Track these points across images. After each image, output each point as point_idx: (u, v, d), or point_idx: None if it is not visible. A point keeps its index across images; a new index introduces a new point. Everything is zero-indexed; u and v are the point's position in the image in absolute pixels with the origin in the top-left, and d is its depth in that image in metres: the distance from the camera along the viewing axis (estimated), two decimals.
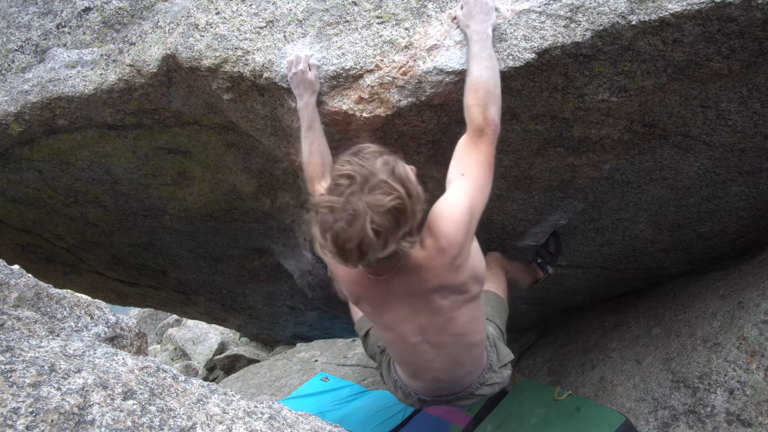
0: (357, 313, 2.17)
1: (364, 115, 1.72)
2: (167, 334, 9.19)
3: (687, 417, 2.17)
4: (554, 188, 2.12)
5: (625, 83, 1.63)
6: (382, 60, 1.69)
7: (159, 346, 9.61)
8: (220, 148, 2.36)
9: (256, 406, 1.27)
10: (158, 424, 1.03)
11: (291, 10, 1.84)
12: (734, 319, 2.25)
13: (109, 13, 2.31)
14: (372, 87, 1.69)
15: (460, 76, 1.63)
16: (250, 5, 1.89)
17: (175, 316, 9.58)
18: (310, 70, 1.71)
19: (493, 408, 3.11)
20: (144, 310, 10.14)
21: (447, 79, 1.65)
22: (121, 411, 1.01)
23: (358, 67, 1.71)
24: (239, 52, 1.83)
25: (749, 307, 2.22)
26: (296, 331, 4.90)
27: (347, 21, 1.77)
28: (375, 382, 4.59)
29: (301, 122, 1.75)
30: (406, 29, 1.71)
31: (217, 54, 1.85)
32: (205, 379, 7.31)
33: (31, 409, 0.92)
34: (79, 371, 1.06)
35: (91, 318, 1.43)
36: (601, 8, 1.52)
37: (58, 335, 1.30)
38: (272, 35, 1.83)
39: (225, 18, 1.89)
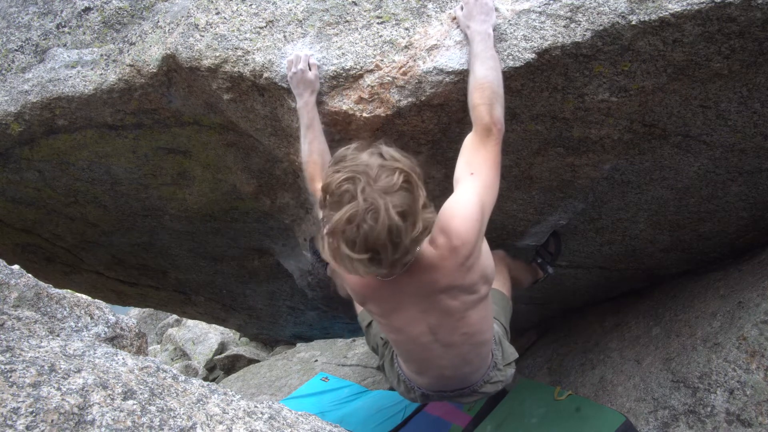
0: (360, 305, 2.17)
1: (364, 115, 1.72)
2: (167, 334, 9.20)
3: (687, 417, 2.17)
4: (554, 188, 2.12)
5: (625, 83, 1.63)
6: (382, 60, 1.69)
7: (159, 346, 9.61)
8: (220, 148, 2.36)
9: (256, 406, 1.27)
10: (158, 424, 1.02)
11: (291, 10, 1.84)
12: (734, 319, 2.25)
13: (109, 13, 2.31)
14: (372, 87, 1.69)
15: (460, 76, 1.63)
16: (250, 5, 1.89)
17: (175, 316, 9.58)
18: (310, 69, 1.71)
19: (493, 408, 3.11)
20: (144, 310, 10.14)
21: (447, 79, 1.65)
22: (121, 411, 1.01)
23: (358, 67, 1.71)
24: (239, 52, 1.83)
25: (749, 307, 2.22)
26: (296, 331, 4.90)
27: (347, 21, 1.77)
28: (375, 382, 4.60)
29: (300, 121, 1.75)
30: (406, 29, 1.71)
31: (217, 54, 1.85)
32: (205, 379, 7.31)
33: (31, 409, 0.91)
34: (79, 371, 1.06)
35: (91, 318, 1.43)
36: (601, 8, 1.52)
37: (58, 335, 1.30)
38: (272, 35, 1.83)
39: (225, 18, 1.89)
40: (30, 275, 1.41)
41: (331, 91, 1.74)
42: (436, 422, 3.39)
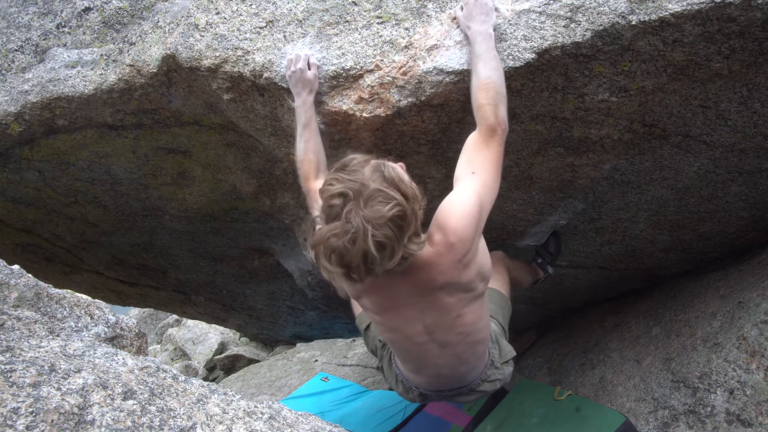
0: (358, 308, 2.17)
1: (364, 115, 1.72)
2: (167, 334, 9.20)
3: (687, 417, 2.17)
4: (554, 188, 2.12)
5: (625, 83, 1.63)
6: (382, 60, 1.69)
7: (159, 346, 9.61)
8: (220, 148, 2.36)
9: (256, 406, 1.27)
10: (158, 424, 1.03)
11: (291, 10, 1.84)
12: (734, 319, 2.25)
13: (109, 13, 2.31)
14: (372, 87, 1.69)
15: (460, 76, 1.63)
16: (250, 5, 1.89)
17: (175, 316, 9.58)
18: (309, 68, 1.71)
19: (493, 408, 3.11)
20: (144, 310, 10.14)
21: (447, 79, 1.65)
22: (121, 411, 1.01)
23: (358, 67, 1.71)
24: (239, 52, 1.83)
25: (749, 307, 2.22)
26: (296, 331, 4.90)
27: (347, 21, 1.77)
28: (375, 382, 4.60)
29: (297, 120, 1.75)
30: (406, 29, 1.71)
31: (217, 54, 1.85)
32: (205, 379, 7.31)
33: (31, 409, 0.91)
34: (79, 371, 1.06)
35: (91, 318, 1.43)
36: (601, 8, 1.52)
37: (58, 335, 1.30)
38: (272, 35, 1.83)
39: (225, 18, 1.89)
40: (30, 275, 1.41)
41: (331, 91, 1.74)
42: (436, 422, 3.39)
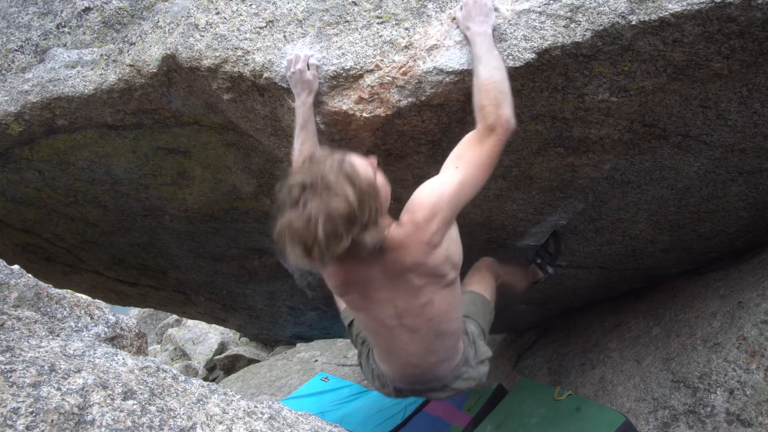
0: (342, 304, 2.19)
1: (364, 115, 1.72)
2: (167, 334, 9.20)
3: (687, 417, 2.17)
4: (554, 188, 2.12)
5: (625, 83, 1.63)
6: (382, 60, 1.69)
7: (159, 346, 9.61)
8: (220, 148, 2.36)
9: (256, 406, 1.27)
10: (158, 424, 1.03)
11: (291, 10, 1.84)
12: (734, 319, 2.25)
13: (109, 13, 2.31)
14: (372, 87, 1.69)
15: (461, 76, 1.63)
16: (250, 5, 1.89)
17: (175, 316, 9.58)
18: (308, 69, 1.71)
19: (493, 408, 3.11)
20: (144, 310, 10.15)
21: (447, 79, 1.65)
22: (121, 411, 1.01)
23: (358, 67, 1.71)
24: (239, 52, 1.83)
25: (749, 307, 2.22)
26: (296, 331, 4.90)
27: (347, 21, 1.77)
28: None
29: (295, 121, 1.76)
30: (406, 29, 1.71)
31: (217, 54, 1.85)
32: (205, 379, 7.31)
33: (31, 409, 0.91)
34: (79, 371, 1.06)
35: (91, 318, 1.43)
36: (601, 8, 1.52)
37: (58, 335, 1.30)
38: (272, 35, 1.83)
39: (225, 18, 1.89)
40: (30, 275, 1.41)
41: (331, 91, 1.74)
42: (436, 422, 3.39)
